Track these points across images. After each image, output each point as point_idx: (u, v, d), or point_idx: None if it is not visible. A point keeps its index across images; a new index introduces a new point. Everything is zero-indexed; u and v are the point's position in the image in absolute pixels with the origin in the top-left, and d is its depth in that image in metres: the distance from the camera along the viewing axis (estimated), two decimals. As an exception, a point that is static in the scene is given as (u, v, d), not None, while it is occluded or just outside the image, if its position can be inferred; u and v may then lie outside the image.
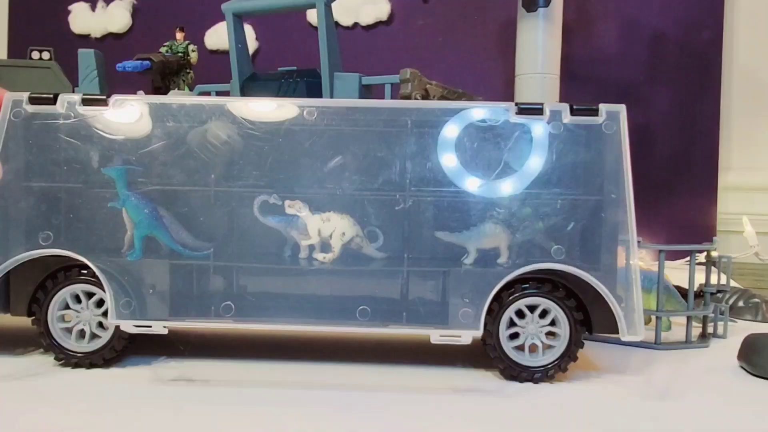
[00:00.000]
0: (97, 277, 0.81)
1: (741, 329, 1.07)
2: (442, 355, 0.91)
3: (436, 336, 0.80)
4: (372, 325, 0.85)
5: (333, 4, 1.17)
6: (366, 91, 1.19)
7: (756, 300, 1.21)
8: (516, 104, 0.84)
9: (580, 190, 0.82)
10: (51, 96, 0.84)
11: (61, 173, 0.83)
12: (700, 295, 1.04)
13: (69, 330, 0.83)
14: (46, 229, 0.82)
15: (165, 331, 0.81)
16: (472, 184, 0.82)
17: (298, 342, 0.96)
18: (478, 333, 0.80)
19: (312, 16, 2.07)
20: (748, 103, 2.07)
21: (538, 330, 0.81)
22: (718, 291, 1.06)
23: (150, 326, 0.81)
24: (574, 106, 0.83)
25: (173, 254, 0.85)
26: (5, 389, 0.75)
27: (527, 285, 0.81)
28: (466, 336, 0.80)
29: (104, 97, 0.85)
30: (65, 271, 0.82)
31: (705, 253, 1.05)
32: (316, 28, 1.18)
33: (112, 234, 0.83)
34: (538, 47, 1.71)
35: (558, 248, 0.81)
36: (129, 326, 0.81)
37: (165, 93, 1.27)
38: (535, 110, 0.84)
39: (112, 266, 0.81)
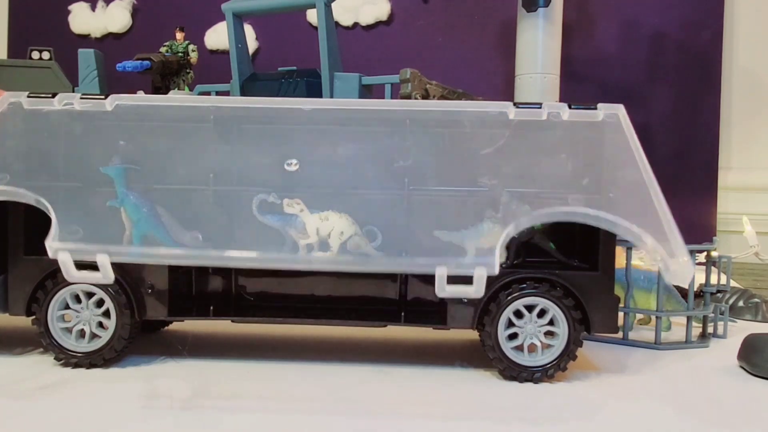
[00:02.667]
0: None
1: (741, 329, 1.07)
2: (442, 356, 0.91)
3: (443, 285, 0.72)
4: (370, 324, 0.86)
5: (333, 4, 1.17)
6: (366, 91, 1.19)
7: (756, 300, 1.21)
8: (514, 104, 0.84)
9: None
10: (50, 95, 0.84)
11: None
12: (700, 295, 1.04)
13: (69, 330, 0.83)
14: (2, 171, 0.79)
15: (108, 263, 0.75)
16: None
17: (295, 342, 0.96)
18: (494, 270, 0.73)
19: (312, 16, 2.07)
20: (748, 103, 2.07)
21: (537, 330, 0.81)
22: (718, 291, 1.06)
23: (94, 261, 0.76)
24: (572, 106, 0.83)
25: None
26: (4, 389, 0.75)
27: (525, 285, 0.81)
28: (479, 272, 0.71)
29: (102, 96, 0.85)
30: (65, 271, 0.82)
31: (705, 253, 1.05)
32: (316, 28, 1.18)
33: (65, 165, 0.80)
34: (538, 47, 1.71)
35: (576, 197, 0.76)
36: (68, 258, 0.75)
37: (165, 93, 1.27)
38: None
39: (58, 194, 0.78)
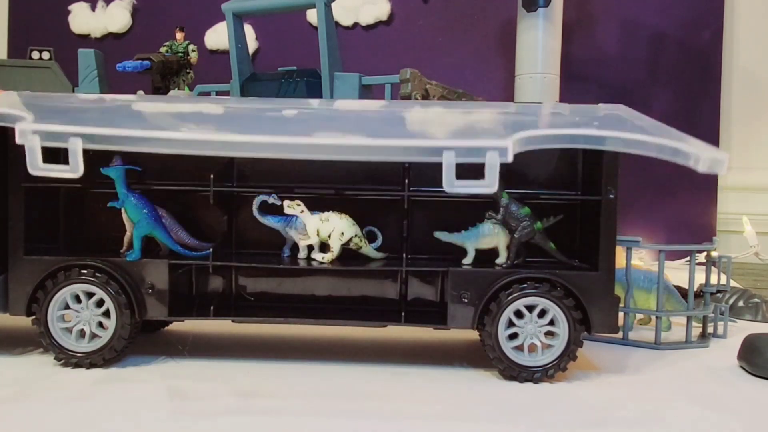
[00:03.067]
0: (97, 277, 0.81)
1: (741, 329, 1.07)
2: (442, 356, 0.91)
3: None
4: (370, 324, 0.86)
5: (333, 4, 1.17)
6: (366, 91, 1.19)
7: (756, 300, 1.21)
8: (516, 104, 0.84)
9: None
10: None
11: None
12: (700, 295, 1.04)
13: (69, 330, 0.83)
14: None
15: (80, 150, 0.66)
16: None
17: (295, 342, 0.96)
18: (507, 157, 0.62)
19: (312, 16, 2.07)
20: (748, 103, 2.07)
21: (537, 330, 0.81)
22: (718, 291, 1.06)
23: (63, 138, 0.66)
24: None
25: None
26: (4, 389, 0.75)
27: (525, 285, 0.81)
28: (491, 158, 0.59)
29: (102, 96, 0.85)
30: (65, 271, 0.82)
31: (705, 253, 1.05)
32: (316, 28, 1.18)
33: None
34: (538, 47, 1.71)
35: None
36: (36, 145, 0.66)
37: (165, 93, 1.27)
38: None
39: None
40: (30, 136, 0.65)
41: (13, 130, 0.67)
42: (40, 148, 0.66)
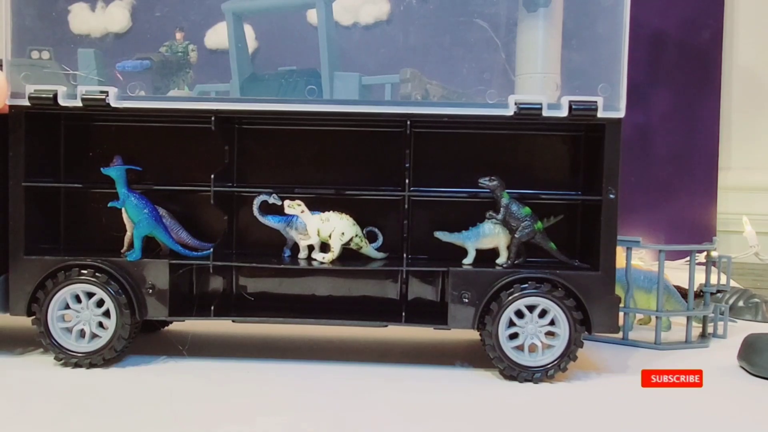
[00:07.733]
0: (97, 277, 0.81)
1: (741, 329, 1.07)
2: (442, 355, 0.91)
3: None
4: (371, 324, 0.86)
5: (333, 4, 1.17)
6: (366, 91, 1.19)
7: (756, 300, 1.21)
8: (516, 103, 0.84)
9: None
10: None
11: None
12: (700, 295, 1.04)
13: (69, 330, 0.83)
14: None
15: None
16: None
17: (296, 342, 0.96)
18: None
19: (312, 15, 2.07)
20: (748, 103, 2.07)
21: (538, 330, 0.81)
22: (718, 291, 1.06)
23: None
24: (573, 105, 0.84)
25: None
26: (4, 389, 0.75)
27: (526, 285, 0.81)
28: None
29: (103, 97, 0.85)
30: (65, 271, 0.82)
31: (705, 253, 1.05)
32: (316, 27, 1.18)
33: None
34: (538, 47, 1.71)
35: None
36: None
37: (164, 93, 1.27)
38: (533, 109, 0.85)
39: None
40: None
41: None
42: None
